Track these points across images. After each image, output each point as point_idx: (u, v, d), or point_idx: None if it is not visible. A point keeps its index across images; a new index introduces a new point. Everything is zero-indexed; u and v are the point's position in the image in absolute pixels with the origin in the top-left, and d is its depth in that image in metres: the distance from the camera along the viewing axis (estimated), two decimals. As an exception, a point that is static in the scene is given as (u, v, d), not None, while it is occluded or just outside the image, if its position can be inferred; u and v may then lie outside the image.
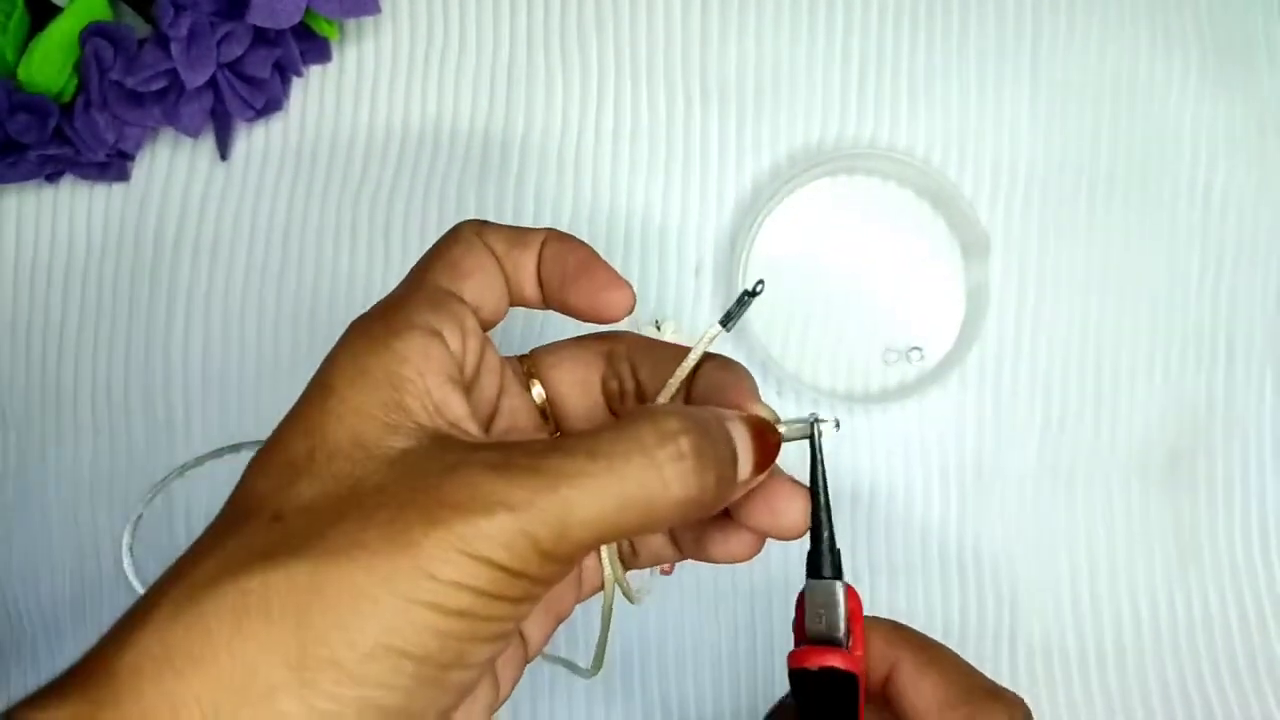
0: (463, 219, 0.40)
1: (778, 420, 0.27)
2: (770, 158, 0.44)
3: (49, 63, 0.39)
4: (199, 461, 0.29)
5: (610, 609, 0.30)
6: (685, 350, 0.28)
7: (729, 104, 0.44)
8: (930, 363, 0.43)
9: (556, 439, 0.23)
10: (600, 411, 0.29)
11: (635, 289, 0.44)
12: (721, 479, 0.23)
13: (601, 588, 0.30)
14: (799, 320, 0.43)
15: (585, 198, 0.43)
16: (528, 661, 0.28)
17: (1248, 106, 0.45)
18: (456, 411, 0.24)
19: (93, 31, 0.39)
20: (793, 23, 0.44)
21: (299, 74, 0.43)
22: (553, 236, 0.28)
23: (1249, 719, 0.42)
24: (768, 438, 0.25)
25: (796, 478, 0.28)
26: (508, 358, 0.29)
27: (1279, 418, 0.44)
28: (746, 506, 0.27)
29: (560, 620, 0.29)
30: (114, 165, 0.42)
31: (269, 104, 0.42)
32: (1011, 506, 0.43)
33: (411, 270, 0.27)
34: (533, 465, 0.21)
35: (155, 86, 0.39)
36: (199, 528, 0.22)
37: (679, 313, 0.43)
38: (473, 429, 0.24)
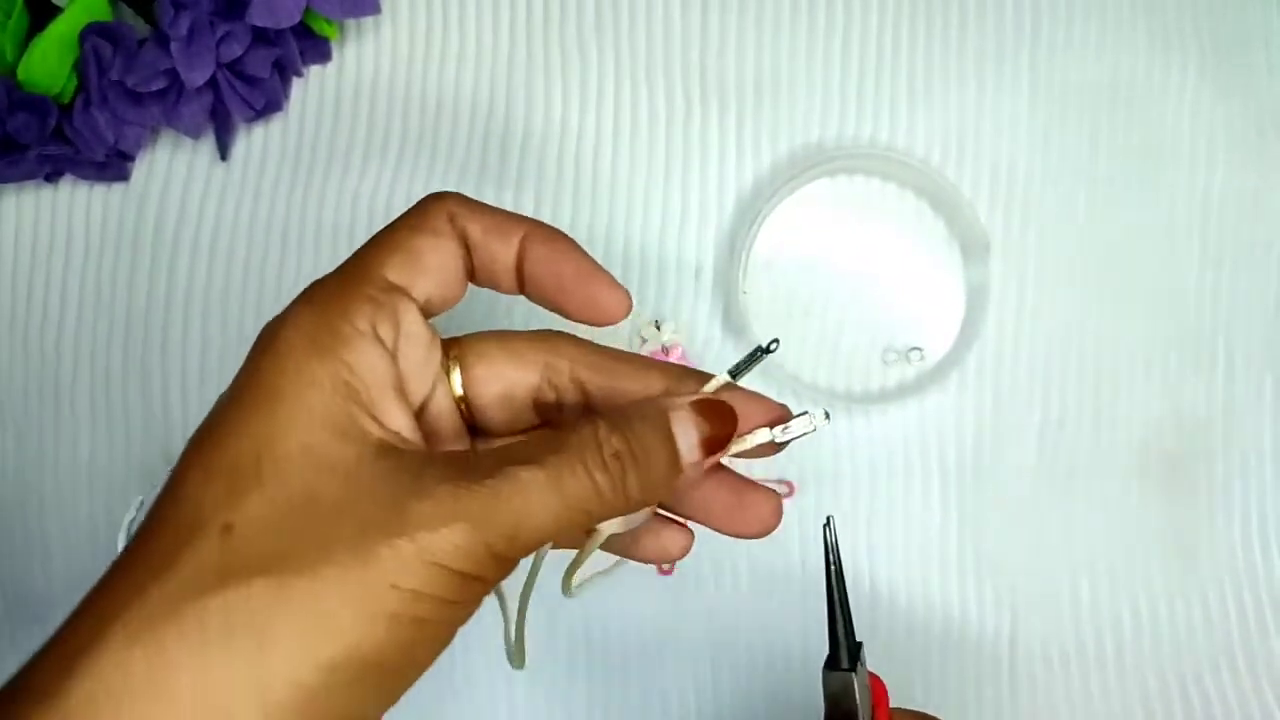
0: None
1: (783, 416, 0.27)
2: (770, 158, 0.44)
3: (48, 62, 0.39)
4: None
5: (527, 602, 0.29)
6: (639, 360, 0.28)
7: (729, 104, 0.44)
8: (930, 363, 0.43)
9: (503, 451, 0.23)
10: (524, 414, 0.28)
11: (635, 289, 0.44)
12: (657, 477, 0.24)
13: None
14: (799, 320, 0.43)
15: (585, 198, 0.43)
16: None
17: (1247, 108, 0.45)
18: (399, 422, 0.24)
19: (92, 31, 0.39)
20: (793, 23, 0.44)
21: (299, 74, 0.43)
22: (537, 231, 0.27)
23: (1248, 718, 0.42)
24: (720, 419, 0.25)
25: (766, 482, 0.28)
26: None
27: (1278, 420, 0.44)
28: (713, 507, 0.28)
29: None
30: (113, 165, 0.42)
31: (269, 104, 0.42)
32: (1011, 507, 0.43)
33: (368, 244, 0.26)
34: (485, 479, 0.22)
35: (155, 86, 0.39)
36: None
37: (679, 313, 0.43)
38: (414, 439, 0.24)
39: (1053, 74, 0.44)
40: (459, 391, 0.27)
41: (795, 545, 0.42)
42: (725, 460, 0.26)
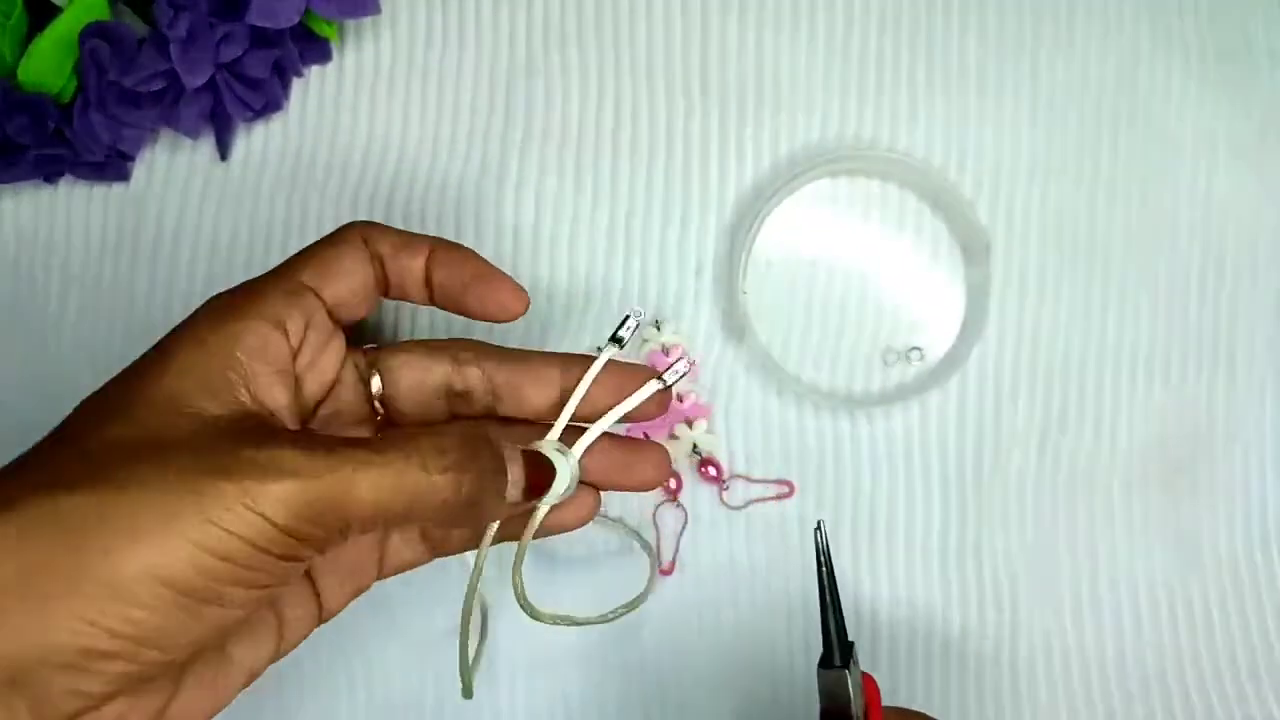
0: (462, 220, 0.42)
1: (656, 374, 0.32)
2: (770, 158, 0.44)
3: (48, 63, 0.39)
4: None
5: (468, 628, 0.33)
6: (535, 353, 0.33)
7: (729, 104, 0.44)
8: (930, 364, 0.43)
9: (355, 439, 0.26)
10: (437, 410, 0.33)
11: (635, 289, 0.44)
12: (482, 493, 0.28)
13: (406, 567, 0.33)
14: (799, 321, 0.43)
15: (585, 198, 0.43)
16: (320, 623, 0.31)
17: (1248, 110, 0.45)
18: (278, 402, 0.28)
19: (92, 32, 0.38)
20: (793, 23, 0.44)
21: (298, 74, 0.43)
22: (441, 246, 0.32)
23: (1249, 719, 0.42)
24: (541, 472, 0.30)
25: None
26: (355, 350, 0.32)
27: (1279, 421, 0.44)
28: (609, 468, 0.33)
29: (359, 591, 0.33)
30: (113, 165, 0.42)
31: (268, 105, 0.42)
32: (1011, 507, 0.43)
33: (288, 259, 0.30)
34: (328, 448, 0.25)
35: (154, 87, 0.39)
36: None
37: (679, 313, 0.43)
38: (286, 421, 0.28)
39: (1054, 76, 0.44)
40: (378, 389, 0.32)
41: (795, 545, 0.42)
42: (619, 425, 0.32)
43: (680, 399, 0.42)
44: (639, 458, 0.33)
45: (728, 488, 0.42)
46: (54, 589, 0.23)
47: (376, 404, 0.32)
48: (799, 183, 0.42)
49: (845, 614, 0.33)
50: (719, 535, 0.42)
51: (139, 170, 0.43)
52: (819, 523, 0.33)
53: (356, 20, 0.43)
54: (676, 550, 0.42)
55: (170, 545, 0.23)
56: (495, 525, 0.32)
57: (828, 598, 0.32)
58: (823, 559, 0.32)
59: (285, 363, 0.28)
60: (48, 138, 0.40)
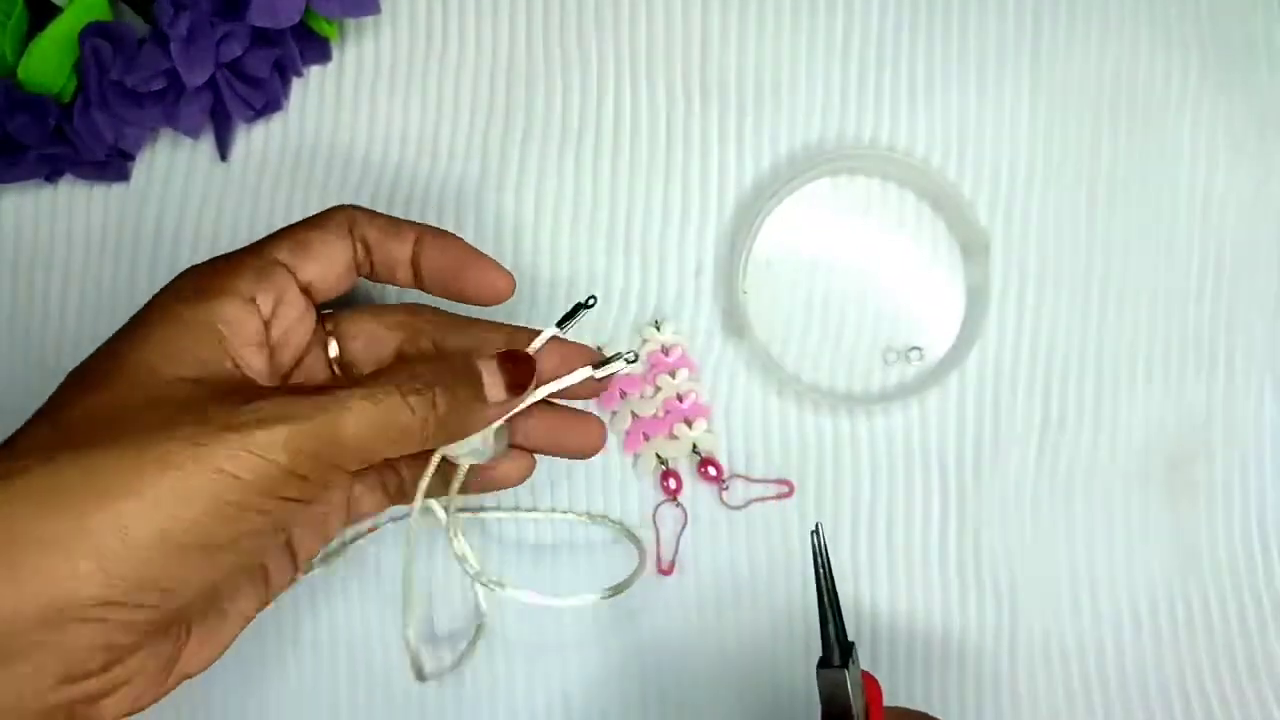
0: (462, 219, 0.42)
1: (599, 359, 0.34)
2: (770, 158, 0.44)
3: (48, 62, 0.39)
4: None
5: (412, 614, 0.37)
6: (483, 321, 0.35)
7: (729, 104, 0.44)
8: (930, 363, 0.43)
9: (333, 382, 0.29)
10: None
11: (635, 289, 0.44)
12: (461, 404, 0.30)
13: (366, 516, 0.36)
14: (799, 321, 0.43)
15: (586, 198, 0.43)
16: (296, 573, 0.34)
17: (1248, 109, 0.45)
18: (256, 368, 0.30)
19: (92, 31, 0.38)
20: (793, 23, 0.44)
21: (299, 74, 0.43)
22: (429, 232, 0.33)
23: (1249, 719, 0.42)
24: (520, 366, 0.32)
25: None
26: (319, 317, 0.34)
27: (1278, 423, 0.44)
28: (545, 435, 0.36)
29: (326, 541, 0.35)
30: (114, 165, 0.42)
31: (269, 104, 0.42)
32: (1011, 507, 0.43)
33: (267, 235, 0.32)
34: (313, 394, 0.27)
35: (155, 86, 0.39)
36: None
37: (679, 313, 0.43)
38: (264, 382, 0.30)
39: (1054, 75, 0.44)
40: (335, 352, 0.34)
41: (795, 545, 0.42)
42: (553, 398, 0.34)
43: (680, 399, 0.42)
44: (574, 426, 0.36)
45: (727, 487, 0.42)
46: (75, 547, 0.23)
47: (335, 368, 0.34)
48: (799, 183, 0.42)
49: (845, 614, 0.33)
50: (719, 535, 0.42)
51: (139, 170, 0.43)
52: (816, 525, 0.34)
53: (357, 20, 0.43)
54: (676, 550, 0.42)
55: (184, 496, 0.24)
56: (429, 476, 0.34)
57: (826, 599, 0.32)
58: (820, 561, 0.33)
59: (259, 336, 0.30)
60: (48, 137, 0.40)
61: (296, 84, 0.43)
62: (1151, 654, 0.42)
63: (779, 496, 0.42)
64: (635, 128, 0.43)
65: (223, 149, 0.42)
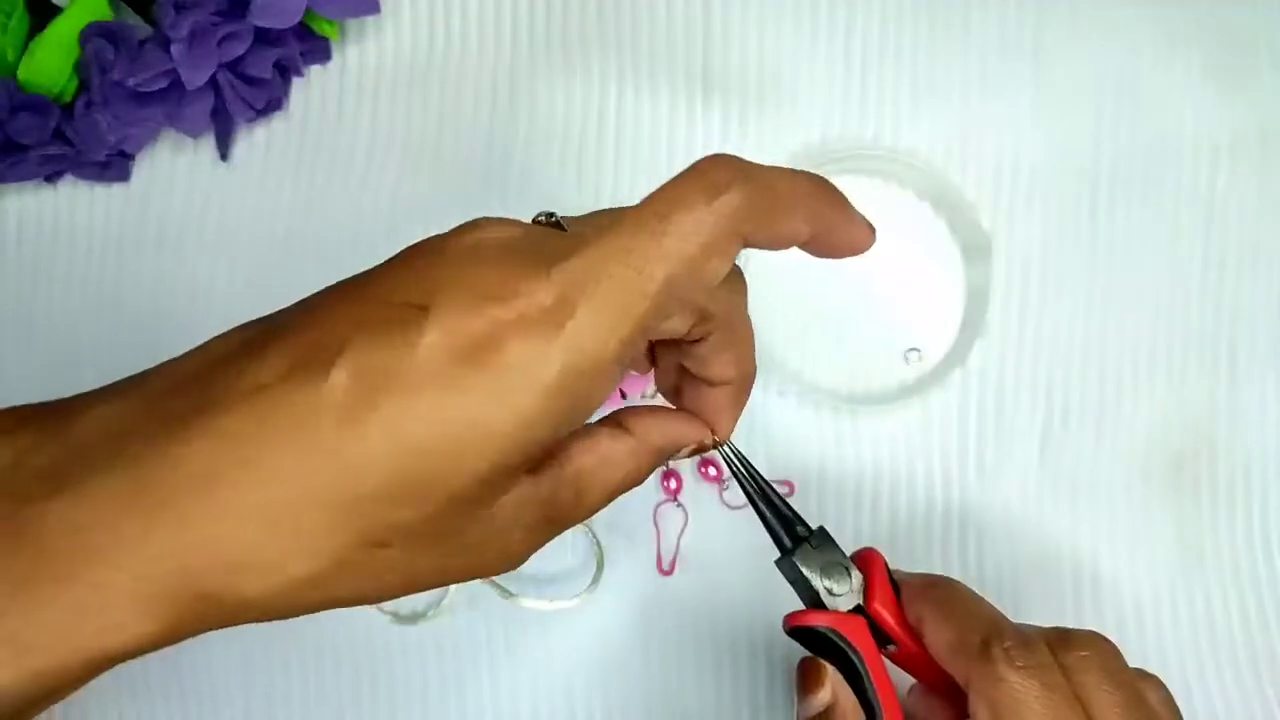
0: (464, 220, 0.39)
1: None
2: (771, 158, 0.43)
3: (50, 63, 0.39)
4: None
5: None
6: None
7: (730, 104, 0.44)
8: (930, 363, 0.43)
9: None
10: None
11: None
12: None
13: None
14: (799, 321, 0.43)
15: (587, 198, 0.43)
16: None
17: (1250, 109, 0.45)
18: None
19: (93, 31, 0.39)
20: (795, 23, 0.44)
21: (299, 74, 0.43)
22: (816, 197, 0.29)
23: (1250, 719, 0.42)
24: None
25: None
26: None
27: (1280, 419, 0.44)
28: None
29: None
30: (115, 165, 0.42)
31: (270, 104, 0.42)
32: (1013, 507, 0.43)
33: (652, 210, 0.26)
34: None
35: (156, 87, 0.39)
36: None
37: (680, 313, 0.43)
38: None
39: (1056, 75, 0.44)
40: None
41: (796, 545, 0.42)
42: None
43: (681, 399, 0.42)
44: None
45: (728, 487, 0.42)
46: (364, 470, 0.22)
47: None
48: (800, 183, 0.42)
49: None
50: (719, 535, 0.42)
51: (140, 170, 0.43)
52: (714, 442, 0.30)
53: (357, 20, 0.43)
54: (676, 550, 0.42)
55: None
56: None
57: (758, 500, 0.32)
58: (736, 468, 0.32)
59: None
60: (50, 137, 0.40)
61: (297, 84, 0.43)
62: (1154, 652, 0.42)
63: (780, 497, 0.42)
64: (636, 128, 0.43)
65: (224, 149, 0.43)
